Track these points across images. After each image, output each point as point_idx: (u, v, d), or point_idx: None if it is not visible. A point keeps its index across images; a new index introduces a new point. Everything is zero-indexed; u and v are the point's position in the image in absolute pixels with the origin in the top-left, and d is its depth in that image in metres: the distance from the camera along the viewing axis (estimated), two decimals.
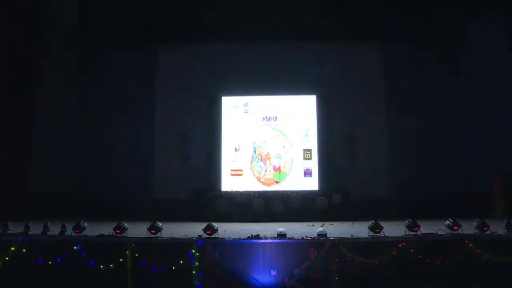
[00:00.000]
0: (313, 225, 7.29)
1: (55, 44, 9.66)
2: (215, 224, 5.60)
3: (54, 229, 5.79)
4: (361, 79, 10.29)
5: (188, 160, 10.23)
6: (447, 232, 5.54)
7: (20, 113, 8.76)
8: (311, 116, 9.96)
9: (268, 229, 6.29)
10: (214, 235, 5.48)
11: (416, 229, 5.50)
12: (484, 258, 5.14)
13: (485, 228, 5.45)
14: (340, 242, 5.24)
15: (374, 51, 10.42)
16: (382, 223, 5.54)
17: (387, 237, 5.41)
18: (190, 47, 10.49)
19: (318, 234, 5.50)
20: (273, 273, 5.19)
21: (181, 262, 5.16)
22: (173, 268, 5.15)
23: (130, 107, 10.32)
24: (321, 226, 6.21)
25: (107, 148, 10.13)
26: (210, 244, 5.28)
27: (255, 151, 9.86)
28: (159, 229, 5.58)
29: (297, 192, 9.25)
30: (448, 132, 10.10)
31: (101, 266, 5.20)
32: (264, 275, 5.18)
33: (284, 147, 9.86)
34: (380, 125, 10.20)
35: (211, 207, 8.92)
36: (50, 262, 5.23)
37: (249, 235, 5.57)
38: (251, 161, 9.83)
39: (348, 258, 5.15)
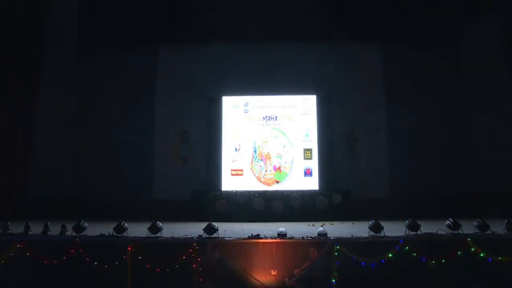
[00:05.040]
0: (313, 225, 7.29)
1: (55, 44, 9.66)
2: (215, 224, 5.60)
3: (54, 229, 5.80)
4: (361, 79, 10.29)
5: (188, 160, 10.24)
6: (447, 232, 5.55)
7: (20, 113, 8.77)
8: (311, 116, 9.95)
9: (268, 229, 6.30)
10: (214, 235, 5.48)
11: (416, 229, 5.50)
12: (484, 258, 5.14)
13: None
14: (340, 242, 5.24)
15: (374, 51, 10.42)
16: (382, 223, 5.54)
17: (387, 237, 5.41)
18: (190, 47, 10.49)
19: (318, 234, 5.50)
20: (273, 273, 5.19)
21: (181, 262, 5.16)
22: (173, 268, 5.15)
23: (130, 107, 10.34)
24: (321, 226, 6.21)
25: (107, 148, 10.14)
26: (210, 244, 5.28)
27: (255, 151, 9.86)
28: (159, 229, 5.58)
29: (297, 192, 9.24)
30: (448, 132, 10.10)
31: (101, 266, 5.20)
32: (264, 275, 5.18)
33: (284, 147, 9.86)
34: (380, 125, 10.20)
35: (211, 207, 8.91)
36: (50, 262, 5.23)
37: (249, 235, 5.56)
38: (252, 161, 9.83)
39: (348, 258, 5.15)
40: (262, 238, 5.44)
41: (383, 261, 5.14)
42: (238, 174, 9.76)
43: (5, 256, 5.29)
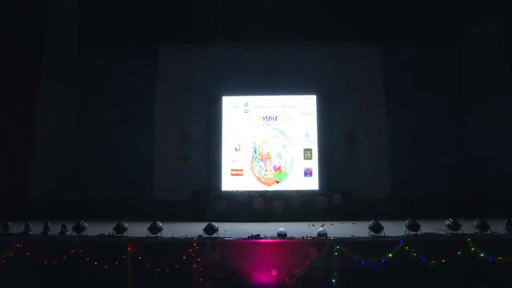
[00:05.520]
0: (313, 225, 7.29)
1: (55, 44, 9.66)
2: (215, 224, 5.60)
3: (54, 229, 5.80)
4: (361, 79, 10.29)
5: (188, 160, 10.24)
6: (447, 232, 5.55)
7: (20, 113, 8.76)
8: (311, 116, 9.96)
9: (268, 229, 6.30)
10: (214, 235, 5.48)
11: (416, 229, 5.50)
12: (484, 258, 5.15)
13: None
14: (340, 242, 5.24)
15: (374, 51, 10.42)
16: (382, 223, 5.54)
17: (387, 237, 5.41)
18: (190, 47, 10.49)
19: (318, 234, 5.50)
20: (273, 273, 5.19)
21: (181, 262, 5.17)
22: (173, 268, 5.15)
23: (130, 107, 10.34)
24: (321, 226, 6.21)
25: (107, 148, 10.13)
26: (210, 244, 5.28)
27: (255, 151, 9.86)
28: (159, 229, 5.58)
29: (297, 192, 9.24)
30: (448, 132, 10.10)
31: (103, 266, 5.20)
32: (264, 275, 5.18)
33: (284, 147, 9.86)
34: (380, 125, 10.20)
35: (211, 207, 8.92)
36: (50, 262, 5.23)
37: (249, 235, 5.57)
38: (252, 161, 9.83)
39: (348, 258, 5.15)
40: (262, 238, 5.45)
41: (383, 261, 5.14)
42: (238, 174, 9.76)
43: (5, 256, 5.29)
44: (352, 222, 7.88)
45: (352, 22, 9.78)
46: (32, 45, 8.91)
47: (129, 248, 5.23)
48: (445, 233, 5.52)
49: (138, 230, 5.79)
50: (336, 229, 6.68)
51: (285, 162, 9.79)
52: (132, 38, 10.22)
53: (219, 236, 5.50)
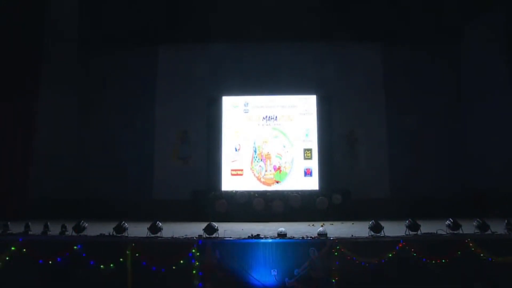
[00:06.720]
0: (313, 225, 7.30)
1: (55, 45, 9.66)
2: (215, 224, 5.60)
3: (54, 229, 5.80)
4: (361, 79, 10.29)
5: (188, 160, 10.24)
6: (447, 232, 5.55)
7: (20, 113, 8.77)
8: (311, 116, 9.96)
9: (268, 229, 6.30)
10: (214, 235, 5.48)
11: (416, 229, 5.51)
12: (484, 258, 5.15)
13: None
14: (340, 242, 5.24)
15: (374, 51, 10.42)
16: (382, 223, 5.54)
17: (387, 237, 5.41)
18: (190, 47, 10.49)
19: (318, 234, 5.51)
20: (273, 273, 5.19)
21: (181, 262, 5.17)
22: (173, 268, 5.15)
23: (130, 107, 10.34)
24: (321, 226, 6.21)
25: (107, 148, 10.13)
26: (210, 244, 5.28)
27: (255, 151, 9.86)
28: (159, 229, 5.58)
29: (297, 192, 9.25)
30: (448, 132, 10.11)
31: (101, 266, 5.21)
32: (264, 275, 5.19)
33: (284, 147, 9.86)
34: (380, 125, 10.20)
35: (211, 207, 8.92)
36: (50, 262, 5.23)
37: (249, 235, 5.57)
38: (252, 161, 9.83)
39: (348, 258, 5.15)
40: (262, 238, 5.45)
41: (383, 261, 5.14)
42: (238, 174, 9.76)
43: (5, 256, 5.29)
44: (352, 222, 7.89)
45: (352, 22, 9.77)
46: (32, 45, 8.91)
47: (129, 248, 5.23)
48: (445, 233, 5.52)
49: (138, 230, 5.79)
50: (336, 229, 6.69)
51: (285, 162, 9.79)
52: (132, 38, 10.21)
53: (219, 236, 5.50)
